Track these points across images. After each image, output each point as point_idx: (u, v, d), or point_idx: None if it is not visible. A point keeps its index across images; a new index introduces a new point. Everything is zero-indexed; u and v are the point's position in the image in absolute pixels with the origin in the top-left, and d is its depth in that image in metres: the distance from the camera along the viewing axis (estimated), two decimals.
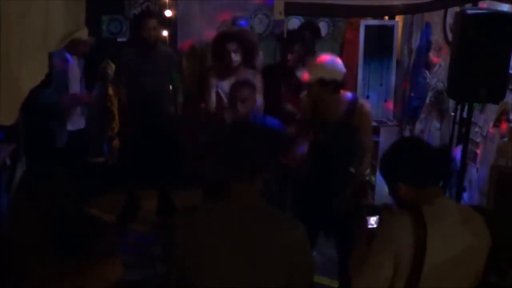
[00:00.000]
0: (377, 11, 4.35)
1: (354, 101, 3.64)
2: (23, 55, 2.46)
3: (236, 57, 4.39)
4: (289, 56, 4.72)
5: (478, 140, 4.38)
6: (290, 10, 3.57)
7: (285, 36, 5.41)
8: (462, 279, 2.03)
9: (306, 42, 4.98)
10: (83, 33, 3.02)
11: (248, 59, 4.54)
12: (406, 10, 4.07)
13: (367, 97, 5.85)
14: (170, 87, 5.15)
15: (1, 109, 2.40)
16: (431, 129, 5.23)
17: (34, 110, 3.84)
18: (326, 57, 3.70)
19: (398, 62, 5.96)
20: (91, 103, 4.83)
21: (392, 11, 4.58)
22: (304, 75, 3.65)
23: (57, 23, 2.68)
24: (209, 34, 5.14)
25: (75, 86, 4.64)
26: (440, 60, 5.15)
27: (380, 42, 5.89)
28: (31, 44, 2.50)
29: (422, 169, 2.08)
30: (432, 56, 5.33)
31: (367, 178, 3.89)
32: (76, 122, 4.71)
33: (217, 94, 4.46)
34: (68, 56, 4.50)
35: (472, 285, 2.04)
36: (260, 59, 5.39)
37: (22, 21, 2.40)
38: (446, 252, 1.99)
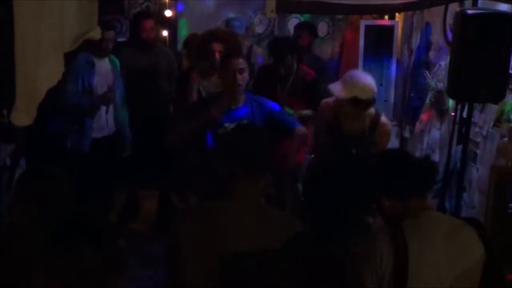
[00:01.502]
0: (375, 10, 4.35)
1: (377, 119, 3.61)
2: (40, 56, 2.47)
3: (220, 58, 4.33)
4: (281, 69, 4.63)
5: (478, 140, 4.38)
6: (282, 8, 3.55)
7: (276, 34, 5.38)
8: None
9: (299, 48, 4.93)
10: (96, 33, 3.03)
11: None
12: (405, 8, 4.07)
13: None
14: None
15: (18, 110, 2.41)
16: (431, 129, 5.23)
17: (48, 112, 3.76)
18: (362, 75, 3.63)
19: (398, 62, 5.96)
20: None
21: (390, 10, 4.58)
22: (338, 91, 3.52)
23: (71, 23, 2.69)
24: None
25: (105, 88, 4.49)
26: (440, 60, 5.15)
27: (380, 42, 5.89)
28: (48, 44, 2.51)
29: (403, 182, 2.03)
30: (432, 56, 5.33)
31: None
32: (102, 128, 4.52)
33: (199, 92, 4.41)
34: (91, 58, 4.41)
35: None
36: (259, 57, 5.38)
37: (37, 21, 2.41)
38: (433, 265, 1.94)
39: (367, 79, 3.56)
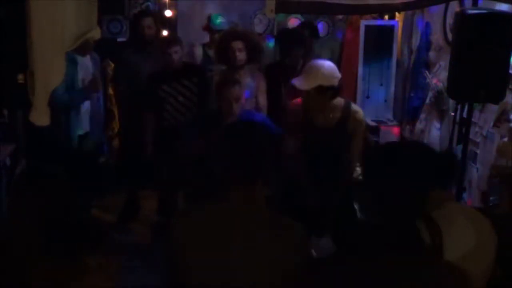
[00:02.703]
0: (375, 9, 4.35)
1: (347, 108, 3.61)
2: (53, 56, 2.48)
3: (241, 56, 4.38)
4: (288, 60, 4.72)
5: (478, 140, 4.38)
6: (282, 8, 3.56)
7: (275, 34, 5.40)
8: (475, 280, 2.03)
9: (306, 42, 4.98)
10: (96, 33, 3.04)
11: (253, 60, 4.54)
12: (405, 7, 4.08)
13: (367, 97, 5.86)
14: None
15: (38, 110, 2.41)
16: (431, 129, 5.23)
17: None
18: (322, 63, 3.58)
19: (398, 62, 5.96)
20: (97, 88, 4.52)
21: (390, 9, 4.58)
22: (301, 84, 3.51)
23: (71, 23, 2.71)
24: None
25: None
26: (440, 60, 5.15)
27: (380, 42, 5.89)
28: (57, 45, 2.53)
29: (430, 173, 2.05)
30: (432, 56, 5.33)
31: (360, 177, 3.87)
32: (84, 126, 4.56)
33: None
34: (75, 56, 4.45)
35: (483, 285, 2.05)
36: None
37: (51, 22, 2.42)
38: (458, 254, 1.98)
39: (328, 66, 3.53)
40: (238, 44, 4.37)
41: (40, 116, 2.46)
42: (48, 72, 2.46)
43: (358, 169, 3.79)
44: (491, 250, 2.05)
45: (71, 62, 4.32)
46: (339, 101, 3.60)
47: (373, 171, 1.79)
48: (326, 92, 3.47)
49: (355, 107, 3.70)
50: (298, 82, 3.53)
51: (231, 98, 3.77)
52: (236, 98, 3.78)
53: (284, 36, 5.12)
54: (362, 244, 1.72)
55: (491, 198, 3.84)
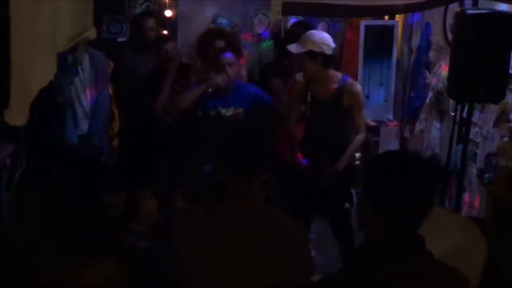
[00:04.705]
0: (377, 11, 4.36)
1: (344, 81, 3.76)
2: (34, 56, 2.46)
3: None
4: (286, 62, 4.71)
5: (478, 140, 4.38)
6: (288, 10, 3.60)
7: (283, 35, 5.37)
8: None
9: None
10: (92, 33, 3.02)
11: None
12: (406, 9, 4.09)
13: (367, 97, 5.84)
14: None
15: (12, 110, 2.40)
16: (431, 129, 5.23)
17: (41, 110, 3.80)
18: (314, 31, 3.86)
19: (398, 62, 5.96)
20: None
21: (392, 11, 4.58)
22: (294, 47, 3.73)
23: (65, 24, 2.69)
24: None
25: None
26: (440, 60, 5.15)
27: (380, 42, 5.89)
28: (42, 45, 2.51)
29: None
30: (432, 56, 5.33)
31: (357, 162, 3.94)
32: (84, 127, 4.62)
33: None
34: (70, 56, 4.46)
35: None
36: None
37: (33, 22, 2.40)
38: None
39: (319, 34, 3.78)
40: (220, 43, 4.36)
41: (16, 116, 2.45)
42: (26, 73, 2.43)
43: (357, 154, 3.88)
44: (478, 256, 2.00)
45: (66, 62, 4.33)
46: (337, 74, 3.81)
47: (373, 185, 1.72)
48: (316, 57, 3.65)
49: (351, 80, 3.87)
50: (292, 48, 3.76)
51: (225, 62, 3.97)
52: (229, 63, 3.97)
53: (283, 38, 5.12)
54: (367, 257, 1.67)
55: (486, 176, 3.93)
